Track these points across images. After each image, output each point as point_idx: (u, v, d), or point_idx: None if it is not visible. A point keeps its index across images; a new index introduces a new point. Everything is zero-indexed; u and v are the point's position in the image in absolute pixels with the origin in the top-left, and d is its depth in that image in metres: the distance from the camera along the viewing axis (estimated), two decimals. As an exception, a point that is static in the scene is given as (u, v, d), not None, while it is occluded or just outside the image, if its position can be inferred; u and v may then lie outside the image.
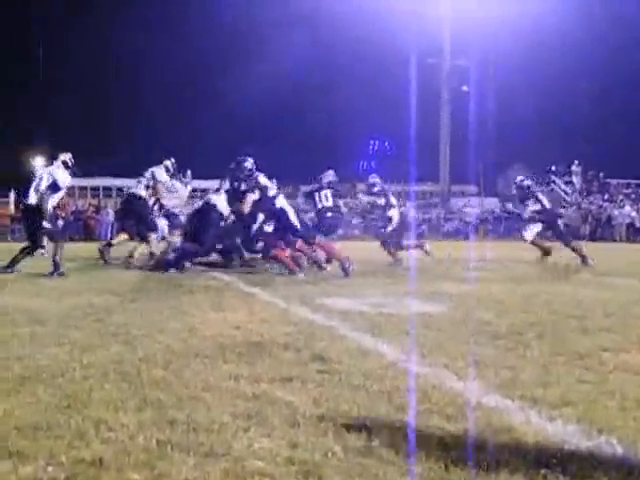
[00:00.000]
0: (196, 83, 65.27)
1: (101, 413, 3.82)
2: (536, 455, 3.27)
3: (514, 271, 14.18)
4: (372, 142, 74.56)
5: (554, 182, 49.14)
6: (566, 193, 47.53)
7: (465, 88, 50.25)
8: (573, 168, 49.09)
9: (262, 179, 13.66)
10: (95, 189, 46.08)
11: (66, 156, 13.38)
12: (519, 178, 17.67)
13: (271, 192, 13.56)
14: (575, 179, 48.67)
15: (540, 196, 17.09)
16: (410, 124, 28.16)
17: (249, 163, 13.78)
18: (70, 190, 28.78)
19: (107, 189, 53.33)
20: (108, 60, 62.07)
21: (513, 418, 3.82)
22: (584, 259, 15.83)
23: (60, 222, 14.75)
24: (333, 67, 61.56)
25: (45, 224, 12.72)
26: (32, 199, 12.84)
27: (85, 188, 49.96)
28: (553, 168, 49.65)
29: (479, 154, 44.64)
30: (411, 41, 45.28)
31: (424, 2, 47.16)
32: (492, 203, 47.61)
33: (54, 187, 12.84)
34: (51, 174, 12.89)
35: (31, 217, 12.96)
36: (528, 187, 17.03)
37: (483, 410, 3.95)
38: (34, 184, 12.87)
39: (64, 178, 13.07)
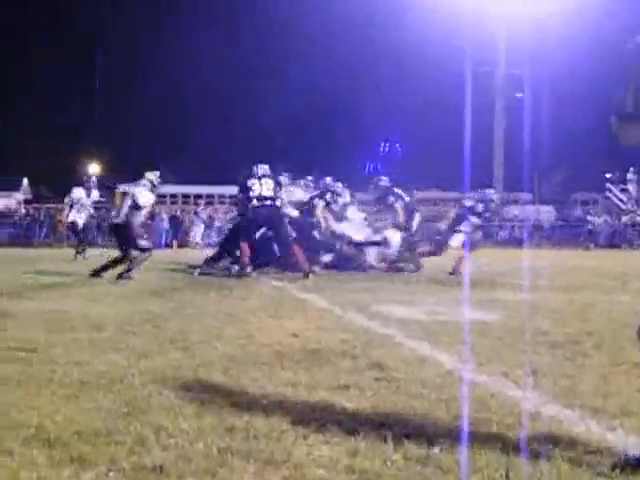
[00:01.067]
0: (238, 86, 65.45)
1: (161, 419, 3.85)
2: (597, 465, 3.23)
3: (570, 279, 14.02)
4: (382, 144, 73.05)
5: (610, 190, 48.59)
6: (622, 201, 46.95)
7: (519, 95, 49.91)
8: (629, 176, 48.45)
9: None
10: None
11: (152, 175, 13.58)
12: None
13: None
14: (631, 187, 48.03)
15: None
16: (464, 131, 27.97)
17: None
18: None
19: (161, 196, 53.68)
20: (159, 63, 62.48)
21: (573, 428, 3.78)
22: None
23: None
24: (378, 72, 61.40)
25: (139, 242, 13.05)
26: (118, 219, 13.27)
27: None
28: (609, 176, 49.08)
29: (533, 161, 44.23)
30: (464, 48, 45.06)
31: (479, 10, 46.88)
32: (546, 210, 47.16)
33: (136, 206, 13.09)
34: (134, 195, 13.13)
35: (120, 234, 13.33)
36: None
37: (542, 419, 3.92)
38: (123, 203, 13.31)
39: (147, 200, 13.31)
